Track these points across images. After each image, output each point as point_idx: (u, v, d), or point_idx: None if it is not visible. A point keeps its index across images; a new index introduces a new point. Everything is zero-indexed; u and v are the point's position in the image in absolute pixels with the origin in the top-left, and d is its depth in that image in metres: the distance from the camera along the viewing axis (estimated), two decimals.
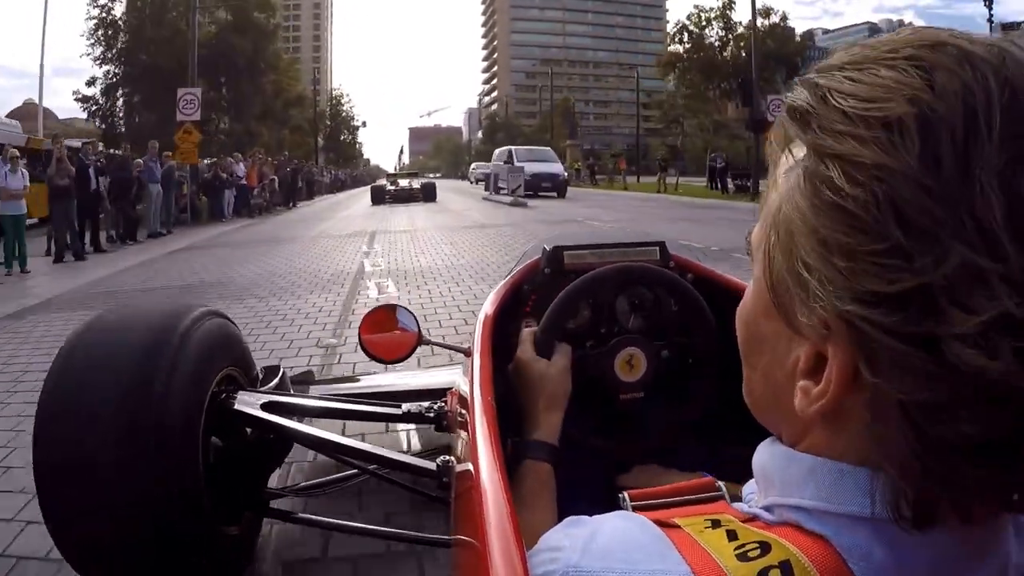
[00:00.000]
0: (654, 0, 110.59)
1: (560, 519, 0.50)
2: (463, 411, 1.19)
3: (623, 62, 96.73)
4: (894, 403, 0.32)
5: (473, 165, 54.55)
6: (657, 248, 1.45)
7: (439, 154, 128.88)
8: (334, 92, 69.28)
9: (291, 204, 23.28)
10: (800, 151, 0.36)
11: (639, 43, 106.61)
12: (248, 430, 1.73)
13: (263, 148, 28.23)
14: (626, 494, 0.50)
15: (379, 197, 24.29)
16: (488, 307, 1.39)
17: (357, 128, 70.07)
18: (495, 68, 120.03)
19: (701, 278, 1.42)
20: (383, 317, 1.99)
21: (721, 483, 0.51)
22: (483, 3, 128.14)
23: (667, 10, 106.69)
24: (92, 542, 1.42)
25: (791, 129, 0.36)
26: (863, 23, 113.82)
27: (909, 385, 0.31)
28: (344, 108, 68.36)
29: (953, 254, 0.29)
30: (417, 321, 1.98)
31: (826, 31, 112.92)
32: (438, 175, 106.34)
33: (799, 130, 0.35)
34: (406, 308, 2.00)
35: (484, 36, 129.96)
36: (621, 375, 1.19)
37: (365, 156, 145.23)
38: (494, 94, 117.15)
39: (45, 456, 1.39)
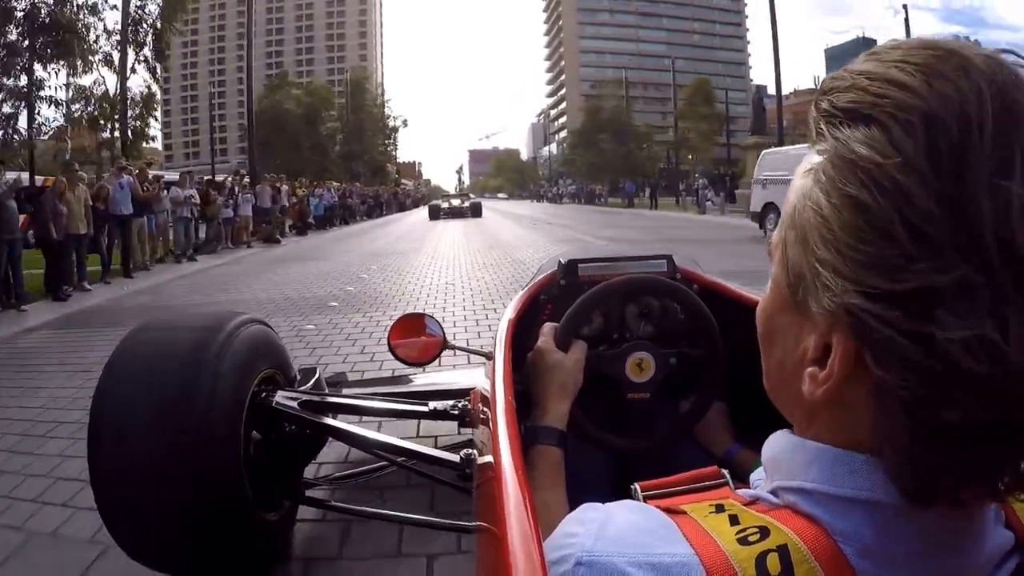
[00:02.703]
0: (733, 5, 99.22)
1: (572, 506, 0.54)
2: (485, 409, 1.25)
3: (701, 71, 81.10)
4: (893, 391, 0.35)
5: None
6: (665, 261, 1.53)
7: (500, 172, 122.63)
8: (354, 75, 55.96)
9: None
10: (817, 155, 0.39)
11: (717, 51, 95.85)
12: (286, 426, 1.81)
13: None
14: (637, 485, 0.52)
15: (435, 213, 30.45)
16: (508, 315, 1.47)
17: (395, 129, 56.94)
18: (562, 78, 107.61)
19: (707, 289, 1.49)
20: (411, 324, 2.10)
21: (725, 471, 0.53)
22: (546, 11, 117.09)
23: (747, 16, 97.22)
24: (144, 528, 1.51)
25: (812, 132, 0.40)
26: None
27: (906, 375, 0.34)
28: (373, 99, 55.96)
29: (952, 268, 0.32)
30: (442, 328, 2.09)
31: None
32: (502, 195, 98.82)
33: (816, 132, 0.39)
34: (432, 316, 2.12)
35: (548, 46, 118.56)
36: (631, 376, 1.25)
37: (426, 177, 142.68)
38: (562, 106, 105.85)
39: (99, 451, 1.48)
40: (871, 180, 0.34)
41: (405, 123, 58.51)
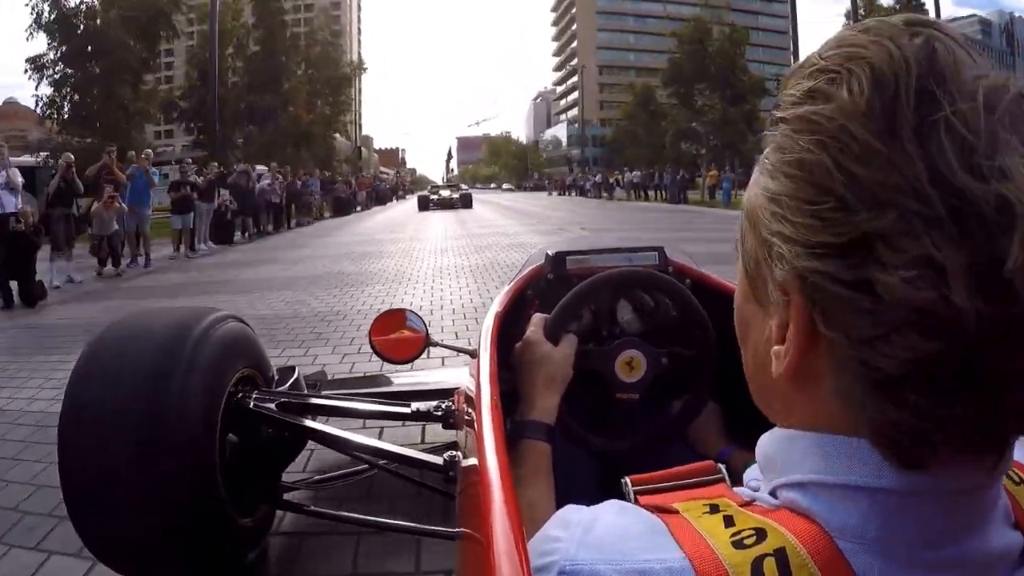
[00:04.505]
0: None
1: (559, 506, 0.52)
2: (469, 410, 1.22)
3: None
4: (845, 349, 0.36)
5: None
6: (656, 253, 1.50)
7: (496, 159, 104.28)
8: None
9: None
10: (766, 151, 0.41)
11: (758, 16, 76.73)
12: (264, 428, 1.77)
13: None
14: (628, 479, 0.51)
15: (424, 204, 29.17)
16: (493, 310, 1.44)
17: (351, 74, 40.08)
18: (573, 45, 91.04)
19: (698, 282, 1.47)
20: (392, 320, 2.06)
21: (721, 466, 0.53)
22: None
23: None
24: (115, 535, 1.46)
25: (768, 123, 0.41)
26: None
27: (855, 325, 0.35)
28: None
29: (890, 208, 0.33)
30: (425, 324, 2.05)
31: None
32: (507, 186, 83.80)
33: (772, 116, 0.41)
34: (414, 312, 2.07)
35: (555, 9, 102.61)
36: (621, 375, 1.21)
37: (410, 166, 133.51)
38: (573, 79, 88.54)
39: (69, 455, 1.43)
40: (811, 137, 0.36)
41: (363, 67, 43.06)
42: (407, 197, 49.08)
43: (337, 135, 43.65)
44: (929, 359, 0.33)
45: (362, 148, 57.57)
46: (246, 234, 15.58)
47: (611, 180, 36.76)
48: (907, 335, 0.33)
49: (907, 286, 0.32)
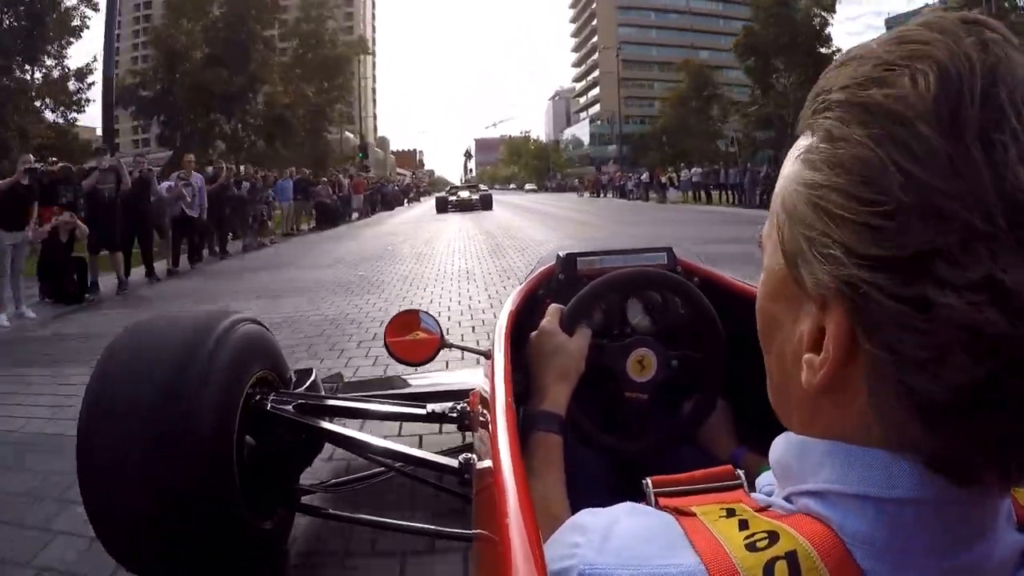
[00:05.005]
0: None
1: (570, 502, 0.53)
2: (484, 411, 1.22)
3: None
4: (889, 367, 0.34)
5: None
6: (665, 253, 1.50)
7: (516, 159, 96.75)
8: None
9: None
10: (803, 139, 0.39)
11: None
12: (281, 430, 1.77)
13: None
14: (649, 480, 0.51)
15: (443, 206, 27.19)
16: (506, 311, 1.44)
17: (347, 53, 34.24)
18: (593, 40, 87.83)
19: (706, 281, 1.47)
20: (407, 321, 2.06)
21: (740, 471, 0.53)
22: None
23: None
24: (131, 534, 1.47)
25: (803, 120, 0.40)
26: None
27: (903, 343, 0.33)
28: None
29: (952, 222, 0.31)
30: (439, 325, 2.05)
31: None
32: (529, 187, 78.96)
33: (811, 114, 0.39)
34: (429, 313, 2.07)
35: (573, 5, 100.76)
36: (632, 374, 1.22)
37: (428, 168, 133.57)
38: (594, 74, 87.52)
39: (87, 456, 1.44)
40: (870, 129, 0.34)
41: (368, 49, 35.42)
42: (421, 200, 45.19)
43: (349, 133, 38.31)
44: (980, 383, 0.32)
45: (368, 145, 47.18)
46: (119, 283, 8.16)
47: (662, 179, 29.92)
48: (959, 357, 0.31)
49: (969, 307, 0.31)
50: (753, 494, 0.48)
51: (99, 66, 20.27)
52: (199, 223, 10.89)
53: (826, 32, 28.68)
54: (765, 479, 0.50)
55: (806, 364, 0.39)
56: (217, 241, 12.43)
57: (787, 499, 0.43)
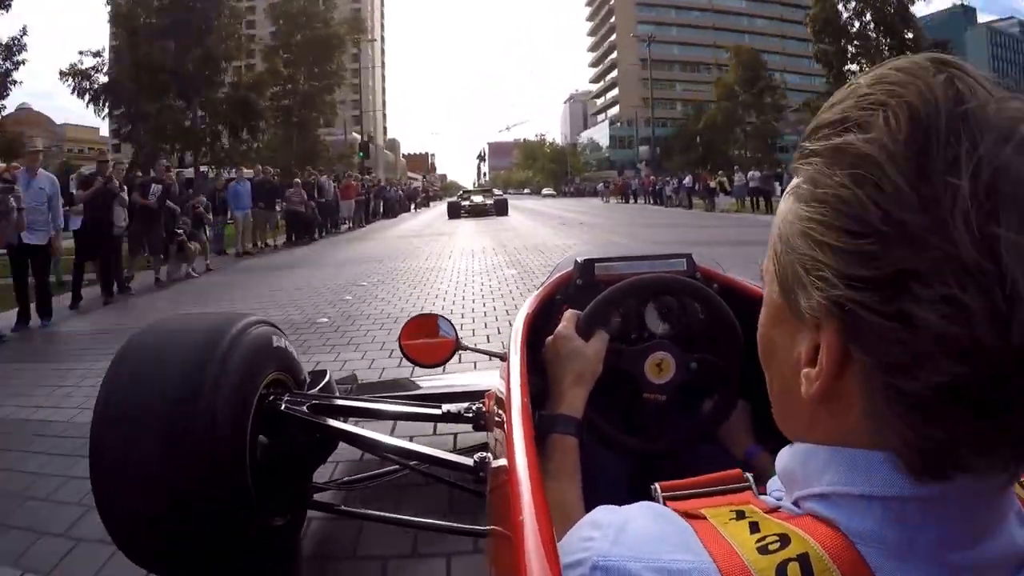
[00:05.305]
0: None
1: (587, 504, 0.54)
2: (500, 412, 1.22)
3: (789, 35, 65.91)
4: (878, 374, 0.38)
5: None
6: (684, 260, 1.51)
7: (532, 163, 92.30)
8: None
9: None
10: (796, 179, 0.42)
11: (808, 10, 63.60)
12: (295, 430, 1.78)
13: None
14: (658, 485, 0.53)
15: (455, 211, 25.59)
16: (523, 314, 1.44)
17: (340, 33, 29.48)
18: (612, 38, 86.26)
19: (725, 287, 1.47)
20: (423, 324, 2.07)
21: (749, 474, 0.54)
22: None
23: None
24: (143, 532, 1.48)
25: (795, 163, 0.43)
26: None
27: (888, 352, 0.36)
28: None
29: (925, 248, 0.35)
30: (455, 328, 2.05)
31: None
32: (547, 191, 76.26)
33: (800, 158, 0.42)
34: (444, 316, 2.08)
35: (589, 4, 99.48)
36: (650, 376, 1.22)
37: (440, 172, 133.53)
38: (612, 74, 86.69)
39: (100, 456, 1.45)
40: (847, 171, 0.38)
41: (362, 29, 31.13)
42: (431, 205, 40.17)
43: (356, 134, 33.73)
44: (958, 383, 0.35)
45: (377, 147, 43.24)
46: None
47: (711, 183, 26.53)
48: (939, 361, 0.35)
49: (941, 320, 0.34)
50: (762, 496, 0.49)
51: (30, 40, 17.32)
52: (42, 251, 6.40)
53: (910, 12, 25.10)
54: (775, 484, 0.51)
55: (804, 378, 0.42)
56: (98, 276, 7.92)
57: (795, 504, 0.44)
